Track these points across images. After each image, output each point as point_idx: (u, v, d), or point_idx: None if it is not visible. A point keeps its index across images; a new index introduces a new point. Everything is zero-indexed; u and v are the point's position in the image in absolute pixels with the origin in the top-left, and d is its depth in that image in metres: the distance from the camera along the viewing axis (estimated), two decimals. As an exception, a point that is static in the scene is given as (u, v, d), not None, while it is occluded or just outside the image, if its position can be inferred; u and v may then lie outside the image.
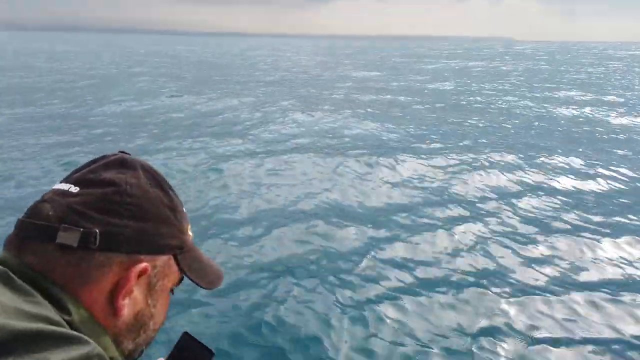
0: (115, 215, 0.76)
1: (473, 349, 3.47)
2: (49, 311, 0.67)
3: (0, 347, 0.57)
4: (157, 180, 0.83)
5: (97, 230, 0.74)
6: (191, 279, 0.86)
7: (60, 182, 0.80)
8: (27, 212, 0.77)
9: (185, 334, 0.95)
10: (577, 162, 8.57)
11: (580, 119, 12.93)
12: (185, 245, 0.85)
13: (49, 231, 0.72)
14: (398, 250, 5.10)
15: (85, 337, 0.64)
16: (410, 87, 20.09)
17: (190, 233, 0.88)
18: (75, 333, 0.64)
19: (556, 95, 17.88)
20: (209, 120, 12.06)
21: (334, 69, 29.92)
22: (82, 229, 0.73)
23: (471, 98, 16.84)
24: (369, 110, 13.93)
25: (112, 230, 0.75)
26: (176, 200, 0.85)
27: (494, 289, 4.34)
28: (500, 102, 15.64)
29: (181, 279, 0.87)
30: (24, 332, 0.59)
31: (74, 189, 0.76)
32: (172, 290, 0.87)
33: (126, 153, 0.85)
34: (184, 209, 0.87)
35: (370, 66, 33.11)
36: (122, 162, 0.81)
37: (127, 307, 0.78)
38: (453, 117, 12.69)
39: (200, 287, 0.88)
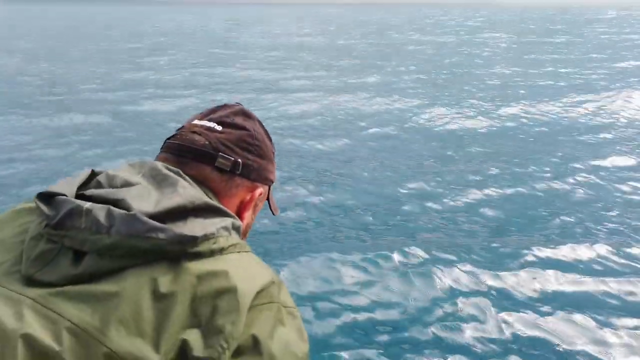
0: (249, 152, 1.02)
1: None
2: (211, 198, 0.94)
3: (197, 209, 0.84)
4: (266, 131, 1.11)
5: (240, 161, 1.00)
6: (270, 205, 1.16)
7: (201, 120, 1.03)
8: (178, 138, 1.00)
9: None
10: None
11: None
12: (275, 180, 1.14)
13: (208, 156, 0.97)
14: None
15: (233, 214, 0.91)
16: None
17: None
18: (229, 210, 0.91)
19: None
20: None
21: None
22: (233, 158, 0.99)
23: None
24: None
25: (247, 162, 1.02)
26: (273, 147, 1.13)
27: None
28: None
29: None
30: (207, 203, 0.86)
31: (218, 127, 1.01)
32: None
33: (241, 104, 1.10)
34: None
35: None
36: (244, 112, 1.07)
37: (246, 218, 1.06)
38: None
39: (272, 212, 1.19)
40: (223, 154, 0.98)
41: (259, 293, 0.78)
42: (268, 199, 1.14)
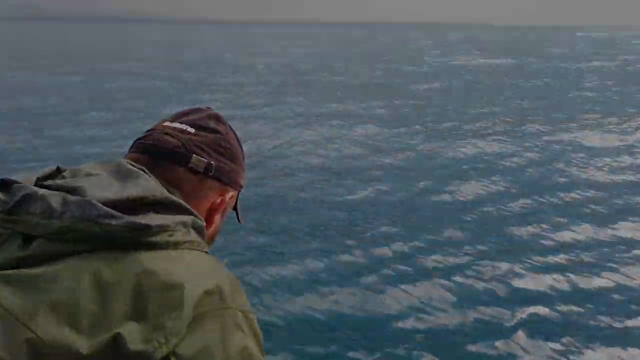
0: (222, 155, 1.02)
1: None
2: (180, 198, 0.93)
3: (157, 203, 0.83)
4: (237, 136, 1.11)
5: (213, 163, 1.00)
6: (236, 211, 1.15)
7: (172, 122, 1.03)
8: (150, 139, 0.99)
9: None
10: None
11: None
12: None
13: (182, 158, 0.97)
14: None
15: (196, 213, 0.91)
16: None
17: None
18: (192, 209, 0.89)
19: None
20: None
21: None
22: (206, 160, 0.99)
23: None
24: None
25: (220, 165, 1.01)
26: (243, 152, 1.13)
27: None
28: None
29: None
30: (169, 197, 0.85)
31: (191, 130, 1.01)
32: None
33: (211, 108, 1.10)
34: None
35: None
36: (217, 117, 1.07)
37: (215, 222, 1.04)
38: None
39: (238, 219, 1.17)
40: (197, 156, 0.98)
41: (209, 293, 0.75)
42: (236, 205, 1.13)
